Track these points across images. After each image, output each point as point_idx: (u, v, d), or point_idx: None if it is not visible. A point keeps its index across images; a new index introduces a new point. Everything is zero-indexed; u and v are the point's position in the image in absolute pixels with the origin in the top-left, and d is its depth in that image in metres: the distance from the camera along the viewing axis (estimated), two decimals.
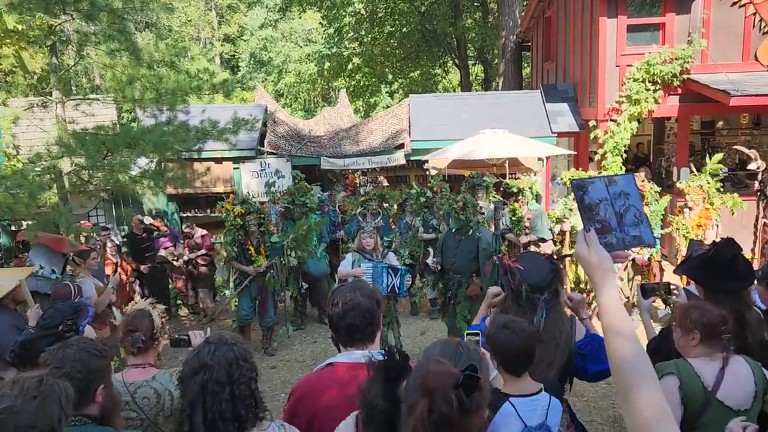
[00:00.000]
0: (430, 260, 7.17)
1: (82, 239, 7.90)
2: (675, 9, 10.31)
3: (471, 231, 6.78)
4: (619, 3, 10.37)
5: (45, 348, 2.79)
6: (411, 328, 8.80)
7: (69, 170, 6.76)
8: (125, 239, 9.90)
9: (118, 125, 9.29)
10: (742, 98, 8.86)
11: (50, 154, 5.90)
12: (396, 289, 6.41)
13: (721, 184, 8.01)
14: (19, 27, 6.12)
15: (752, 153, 8.11)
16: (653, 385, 1.40)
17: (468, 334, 2.97)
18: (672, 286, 3.67)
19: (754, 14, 10.12)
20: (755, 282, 3.52)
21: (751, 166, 8.17)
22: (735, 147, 9.24)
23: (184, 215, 12.28)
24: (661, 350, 3.31)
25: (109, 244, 8.44)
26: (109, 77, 7.28)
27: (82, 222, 9.92)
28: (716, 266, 3.20)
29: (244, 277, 7.83)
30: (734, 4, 10.13)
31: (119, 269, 8.71)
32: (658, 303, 6.92)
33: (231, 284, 7.94)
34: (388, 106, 19.64)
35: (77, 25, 6.46)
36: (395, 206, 10.11)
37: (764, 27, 10.14)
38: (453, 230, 6.94)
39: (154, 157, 7.24)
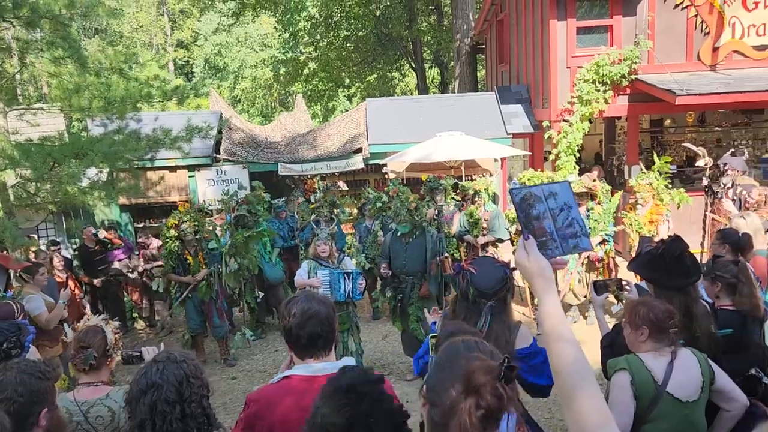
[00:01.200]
0: (381, 268, 7.17)
1: (31, 254, 7.63)
2: (621, 11, 10.59)
3: (418, 232, 6.86)
4: (568, 6, 10.59)
5: None
6: (373, 333, 8.78)
7: (14, 183, 6.51)
8: (76, 252, 9.61)
9: (66, 135, 9.03)
10: (687, 97, 9.15)
11: None
12: (350, 294, 6.39)
13: (670, 180, 8.24)
14: None
15: (700, 150, 8.37)
16: (594, 390, 1.41)
17: (432, 337, 2.98)
18: (624, 282, 3.76)
19: (696, 16, 10.47)
20: (701, 277, 3.62)
21: (699, 163, 8.42)
22: (684, 144, 9.53)
23: (139, 226, 11.99)
24: (614, 346, 3.38)
25: (56, 259, 8.15)
26: (55, 85, 7.05)
27: (30, 236, 9.61)
28: (664, 263, 3.28)
29: (184, 288, 7.69)
30: (677, 6, 10.46)
31: (70, 284, 8.45)
32: (612, 299, 7.09)
33: (172, 297, 7.82)
34: (346, 110, 19.62)
35: (18, 33, 6.23)
36: (350, 211, 10.10)
37: (705, 28, 10.50)
38: (398, 233, 6.99)
39: (104, 167, 7.03)
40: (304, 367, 2.43)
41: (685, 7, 10.47)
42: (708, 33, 10.53)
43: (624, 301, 3.50)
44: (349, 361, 2.52)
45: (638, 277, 3.85)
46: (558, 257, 1.67)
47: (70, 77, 7.17)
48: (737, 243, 4.57)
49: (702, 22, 10.51)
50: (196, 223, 7.83)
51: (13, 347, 3.50)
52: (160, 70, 32.61)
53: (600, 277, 8.11)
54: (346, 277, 6.36)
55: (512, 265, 2.97)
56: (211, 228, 8.35)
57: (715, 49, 10.54)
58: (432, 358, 2.91)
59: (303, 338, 2.43)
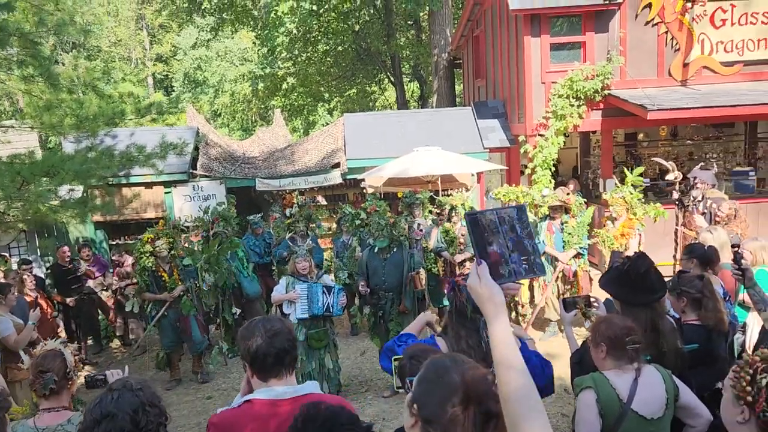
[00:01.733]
0: (360, 286, 7.16)
1: (0, 274, 7.50)
2: (594, 28, 10.77)
3: (396, 248, 6.88)
4: (542, 23, 10.75)
5: None
6: (351, 349, 8.74)
7: None
8: (49, 271, 9.45)
9: (39, 152, 8.90)
10: (658, 112, 9.31)
11: None
12: (330, 308, 6.38)
13: (643, 194, 8.36)
14: None
15: (670, 164, 8.50)
16: (541, 419, 1.43)
17: (395, 359, 2.97)
18: (593, 299, 3.79)
19: (666, 33, 10.69)
20: (667, 293, 3.66)
21: (669, 177, 8.56)
22: (654, 159, 9.68)
23: (114, 243, 11.85)
24: (582, 362, 3.40)
25: (27, 279, 8.01)
26: (27, 103, 6.96)
27: (1, 255, 9.42)
28: (630, 280, 3.32)
29: (160, 306, 7.62)
30: (648, 23, 10.67)
31: (42, 303, 8.30)
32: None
33: (148, 315, 7.74)
34: (327, 124, 19.67)
35: None
36: (325, 226, 10.10)
37: (676, 45, 10.72)
38: (375, 249, 7.00)
39: (76, 185, 6.94)
40: (266, 391, 2.40)
41: (656, 24, 10.68)
42: (678, 49, 10.74)
43: (591, 319, 3.53)
44: (313, 385, 2.50)
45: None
46: (510, 283, 1.68)
47: (42, 94, 7.09)
48: (704, 257, 4.64)
49: (672, 38, 10.72)
50: (171, 240, 7.78)
51: None
52: (136, 87, 32.43)
53: (575, 291, 8.18)
54: (326, 291, 6.36)
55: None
56: (186, 244, 8.29)
57: (685, 65, 10.75)
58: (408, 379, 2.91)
59: (270, 356, 2.41)
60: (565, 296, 3.79)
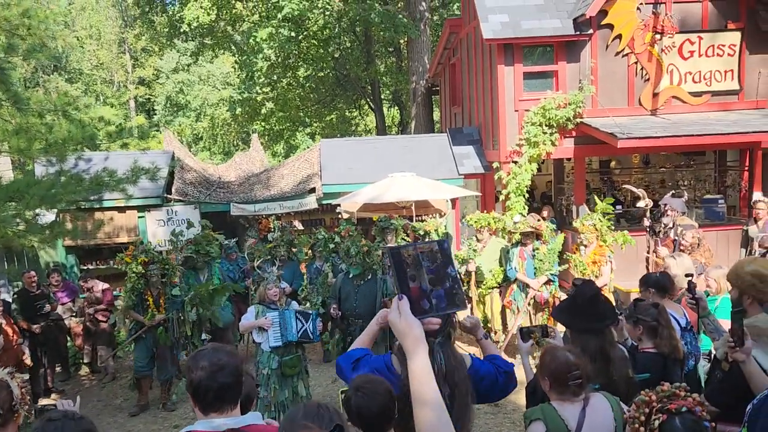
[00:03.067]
0: (331, 309, 7.14)
1: None
2: (565, 58, 10.99)
3: (370, 275, 6.87)
4: (515, 52, 10.96)
5: None
6: (323, 376, 8.66)
7: None
8: (17, 296, 9.27)
9: (12, 176, 8.83)
10: (628, 140, 9.48)
11: None
12: (310, 334, 6.32)
13: (617, 220, 8.46)
14: None
15: (640, 192, 8.66)
16: None
17: (342, 392, 2.95)
18: (549, 329, 3.82)
19: (636, 63, 10.94)
20: (617, 320, 3.70)
21: (640, 204, 8.71)
22: (624, 186, 9.84)
23: (85, 267, 11.70)
24: (536, 393, 3.41)
25: None
26: None
27: None
28: (577, 307, 3.36)
29: (139, 326, 7.58)
30: (618, 53, 10.92)
31: (7, 330, 8.12)
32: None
33: (124, 334, 7.66)
34: (309, 149, 19.76)
35: None
36: (305, 251, 10.04)
37: (645, 75, 10.96)
38: (350, 275, 6.99)
39: (45, 209, 6.88)
40: (205, 423, 2.37)
41: (626, 55, 10.93)
42: (648, 79, 10.99)
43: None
44: (254, 416, 2.48)
45: None
46: (431, 317, 1.69)
47: (12, 118, 7.05)
48: (658, 284, 4.68)
49: (642, 69, 10.97)
50: (165, 266, 7.75)
51: None
52: (117, 109, 32.36)
53: (546, 317, 8.22)
54: (300, 317, 6.30)
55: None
56: (179, 273, 8.23)
57: (655, 95, 10.99)
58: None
59: (211, 391, 2.38)
60: (522, 326, 3.79)
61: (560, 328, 4.28)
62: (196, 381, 2.39)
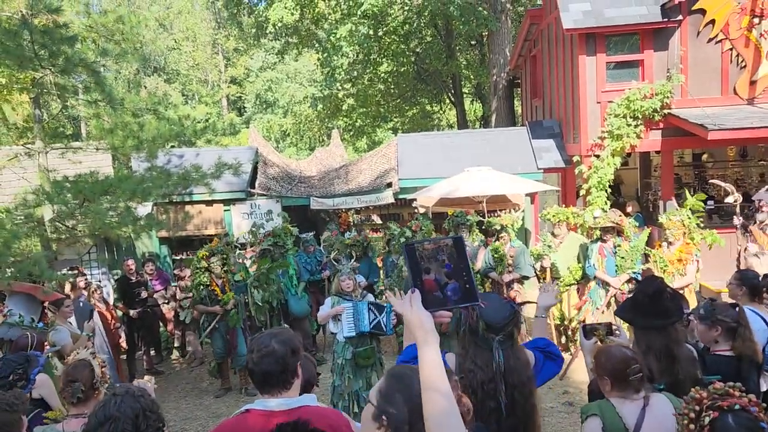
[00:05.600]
0: None
1: (68, 287, 7.99)
2: (653, 46, 10.49)
3: None
4: (597, 41, 10.58)
5: None
6: None
7: (51, 217, 6.91)
8: (117, 283, 9.98)
9: (111, 172, 9.52)
10: (720, 132, 8.94)
11: (27, 203, 6.07)
12: (383, 326, 6.42)
13: (708, 218, 8.01)
14: (2, 81, 6.36)
15: (728, 186, 8.16)
16: None
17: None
18: (614, 327, 3.71)
19: (731, 50, 10.27)
20: (693, 320, 3.54)
21: (729, 200, 8.20)
22: (711, 181, 9.28)
23: (177, 257, 12.41)
24: (597, 391, 3.33)
25: (95, 291, 8.52)
26: (93, 126, 7.50)
27: (80, 268, 10.05)
28: (640, 304, 3.24)
29: (212, 319, 7.94)
30: (710, 40, 10.30)
31: (106, 315, 8.78)
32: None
33: (201, 327, 8.12)
34: None
35: (57, 78, 6.72)
36: (377, 248, 10.21)
37: (742, 62, 10.28)
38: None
39: (136, 203, 7.39)
40: (261, 403, 2.50)
41: (719, 41, 10.30)
42: (744, 66, 10.30)
43: None
44: (309, 398, 2.58)
45: None
46: (443, 311, 1.73)
47: (109, 117, 7.61)
48: (754, 288, 4.41)
49: (738, 55, 10.30)
50: (225, 256, 8.13)
51: (18, 379, 3.72)
52: (203, 108, 33.91)
53: None
54: (373, 309, 6.41)
55: (518, 300, 3.04)
56: (240, 261, 8.63)
57: (753, 83, 10.29)
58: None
59: (257, 375, 2.51)
60: (585, 323, 3.71)
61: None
62: (248, 363, 2.55)
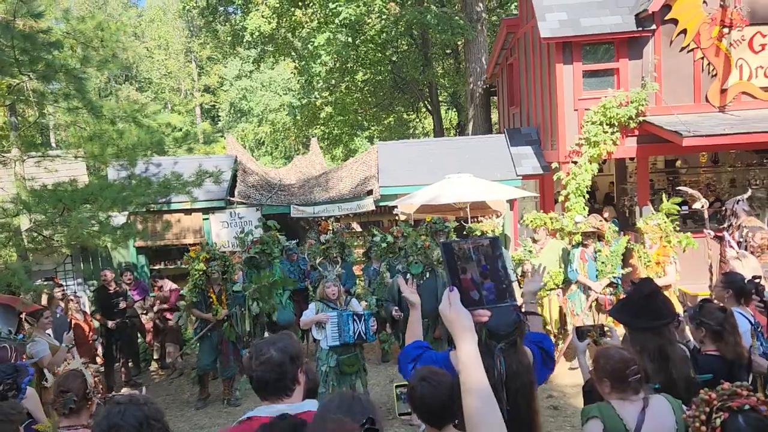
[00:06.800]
0: (393, 312, 7.16)
1: (44, 298, 7.82)
2: (627, 55, 10.70)
3: (429, 273, 6.88)
4: (574, 50, 10.75)
5: None
6: (381, 376, 8.74)
7: (28, 227, 6.75)
8: (94, 294, 9.77)
9: (86, 180, 9.34)
10: (694, 138, 9.14)
11: (4, 212, 5.91)
12: (363, 335, 6.41)
13: (683, 221, 8.19)
14: None
15: (695, 193, 8.38)
16: None
17: (397, 386, 3.00)
18: (606, 329, 3.76)
19: (702, 58, 10.53)
20: (684, 320, 3.60)
21: (696, 206, 8.42)
22: (679, 188, 9.50)
23: (155, 267, 12.22)
24: (593, 392, 3.36)
25: (72, 302, 8.35)
26: (71, 133, 7.36)
27: (56, 278, 9.83)
28: (634, 305, 3.29)
29: (204, 325, 7.83)
30: (683, 49, 10.55)
31: (83, 326, 8.61)
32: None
33: (191, 331, 7.95)
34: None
35: (35, 85, 6.59)
36: (355, 253, 10.19)
37: (713, 70, 10.55)
38: (407, 276, 6.97)
39: (115, 211, 7.26)
40: (264, 409, 2.48)
41: (691, 50, 10.55)
42: (715, 75, 10.56)
43: None
44: (311, 403, 2.56)
45: None
46: (480, 309, 1.73)
47: (87, 125, 7.49)
48: (741, 290, 4.48)
49: (709, 64, 10.56)
50: (225, 263, 8.02)
51: (9, 389, 3.61)
52: (184, 116, 33.61)
53: (608, 320, 8.03)
54: (356, 318, 6.39)
55: (524, 309, 3.01)
56: (239, 271, 8.51)
57: (723, 91, 10.55)
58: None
59: (258, 381, 2.49)
60: (578, 326, 3.74)
61: (620, 331, 4.20)
62: (247, 370, 2.52)
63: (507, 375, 2.84)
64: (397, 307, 7.06)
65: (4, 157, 6.95)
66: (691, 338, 3.88)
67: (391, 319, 7.99)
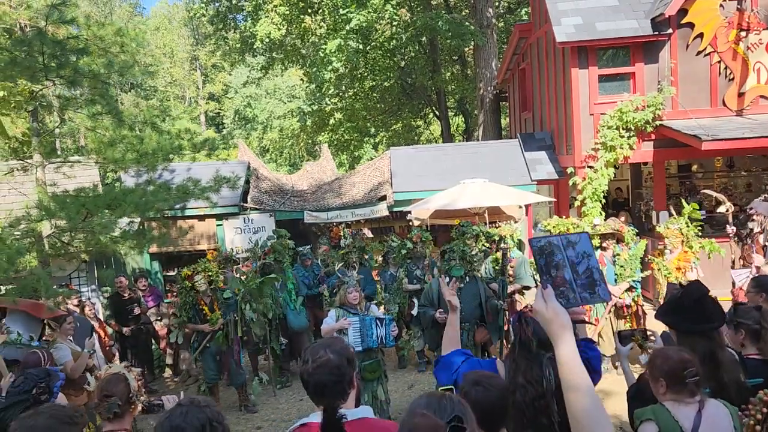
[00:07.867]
0: (436, 315, 7.01)
1: (65, 304, 7.78)
2: (643, 59, 10.68)
3: (469, 278, 6.82)
4: (589, 54, 10.74)
5: (17, 416, 2.74)
6: (399, 382, 8.67)
7: (49, 233, 6.73)
8: (109, 300, 9.75)
9: (100, 186, 9.33)
10: (713, 142, 9.10)
11: (29, 218, 5.89)
12: (383, 339, 6.33)
13: (700, 227, 8.12)
14: (1, 94, 6.21)
15: (720, 196, 8.31)
16: None
17: (442, 389, 2.95)
18: (649, 332, 3.70)
19: (719, 62, 10.50)
20: (724, 323, 3.54)
21: (721, 209, 8.33)
22: (704, 191, 9.43)
23: (168, 274, 12.19)
24: (638, 396, 3.30)
25: (87, 307, 8.32)
26: (91, 139, 7.35)
27: (71, 285, 9.80)
28: (684, 308, 3.24)
29: (203, 338, 7.73)
30: (699, 53, 10.52)
31: (100, 332, 8.56)
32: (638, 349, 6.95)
33: (191, 347, 7.90)
34: (372, 159, 19.97)
35: (59, 90, 6.58)
36: (375, 258, 10.13)
37: (730, 74, 10.51)
38: (453, 278, 6.84)
39: (136, 217, 7.24)
40: (319, 415, 2.42)
41: (708, 54, 10.52)
42: (732, 79, 10.53)
43: (648, 351, 3.44)
44: (366, 410, 2.51)
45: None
46: (576, 307, 1.69)
47: (106, 131, 7.47)
48: None
49: (726, 68, 10.53)
50: (210, 273, 7.93)
51: (42, 392, 3.59)
52: (191, 123, 33.74)
53: (628, 325, 7.95)
54: (378, 323, 6.31)
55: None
56: (238, 275, 8.44)
57: (741, 95, 10.52)
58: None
59: (310, 386, 2.43)
60: (621, 330, 3.68)
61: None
62: (300, 373, 2.47)
63: (555, 384, 2.79)
64: (441, 309, 6.88)
65: (27, 162, 6.93)
66: (730, 343, 3.82)
67: (413, 319, 7.89)
